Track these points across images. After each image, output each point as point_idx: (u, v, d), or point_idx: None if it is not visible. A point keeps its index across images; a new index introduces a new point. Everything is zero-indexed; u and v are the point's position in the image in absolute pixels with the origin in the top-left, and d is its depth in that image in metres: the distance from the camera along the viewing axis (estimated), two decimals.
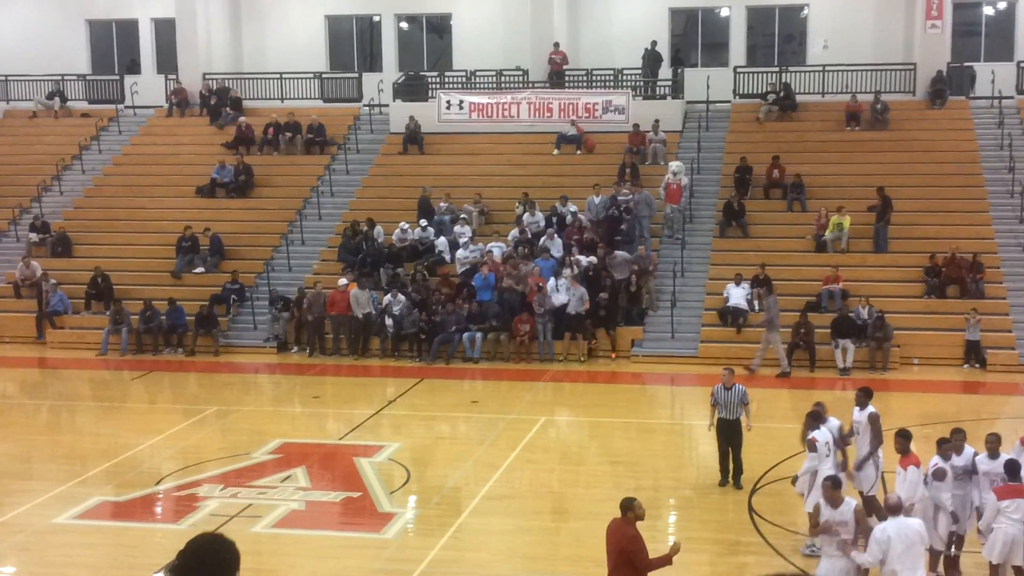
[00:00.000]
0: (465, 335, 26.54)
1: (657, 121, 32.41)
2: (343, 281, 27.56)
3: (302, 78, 37.42)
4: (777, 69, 35.25)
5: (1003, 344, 25.46)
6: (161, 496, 16.89)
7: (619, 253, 27.49)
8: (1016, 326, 25.88)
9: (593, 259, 27.64)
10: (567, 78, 35.36)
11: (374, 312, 27.12)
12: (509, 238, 29.14)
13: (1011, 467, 12.59)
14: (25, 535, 15.22)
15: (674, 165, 29.53)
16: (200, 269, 29.92)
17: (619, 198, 29.13)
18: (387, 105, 35.82)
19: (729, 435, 16.79)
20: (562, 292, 26.54)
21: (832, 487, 11.63)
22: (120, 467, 18.20)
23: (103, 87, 39.43)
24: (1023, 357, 25.13)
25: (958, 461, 13.09)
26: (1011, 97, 33.25)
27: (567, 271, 26.85)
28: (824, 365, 25.13)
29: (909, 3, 34.88)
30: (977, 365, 25.17)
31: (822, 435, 13.92)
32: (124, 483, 17.34)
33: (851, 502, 11.61)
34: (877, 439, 14.33)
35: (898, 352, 25.41)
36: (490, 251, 28.38)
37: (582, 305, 26.33)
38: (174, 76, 38.26)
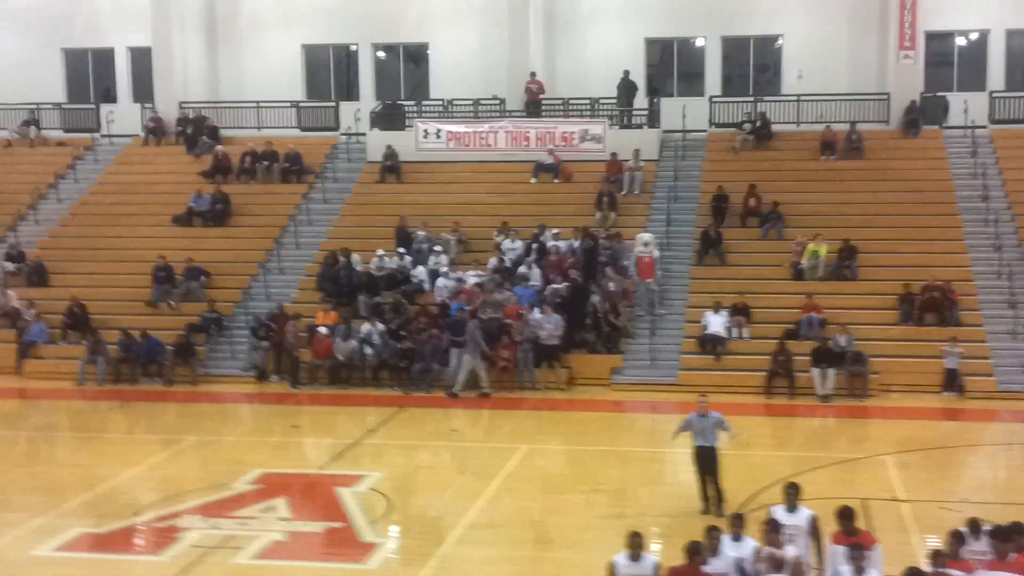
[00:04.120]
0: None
1: (638, 151, 32.54)
2: (323, 330, 27.36)
3: (279, 107, 37.40)
4: (752, 99, 35.52)
5: (980, 371, 25.61)
6: (141, 527, 16.74)
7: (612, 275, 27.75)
8: (993, 353, 26.06)
9: (566, 284, 27.70)
10: (544, 107, 35.52)
11: (356, 354, 27.06)
12: (488, 266, 29.17)
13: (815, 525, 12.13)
14: (4, 568, 15.01)
15: (644, 237, 28.78)
16: (173, 303, 29.76)
17: (599, 237, 29.29)
18: (364, 134, 35.86)
19: (706, 463, 16.77)
20: (546, 323, 26.52)
21: (771, 531, 11.26)
22: (99, 498, 18.05)
23: (79, 116, 39.30)
24: (1001, 384, 25.29)
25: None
26: (984, 127, 33.59)
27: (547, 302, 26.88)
28: (804, 392, 25.20)
29: (882, 33, 35.26)
30: (955, 393, 25.30)
31: None
32: (103, 514, 17.17)
33: (791, 551, 11.23)
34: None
35: (877, 379, 25.52)
36: (463, 280, 28.40)
37: (557, 332, 26.37)
38: (150, 105, 38.21)
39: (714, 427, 16.66)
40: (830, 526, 12.01)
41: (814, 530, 12.16)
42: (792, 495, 12.44)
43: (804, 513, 12.29)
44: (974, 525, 11.73)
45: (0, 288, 30.46)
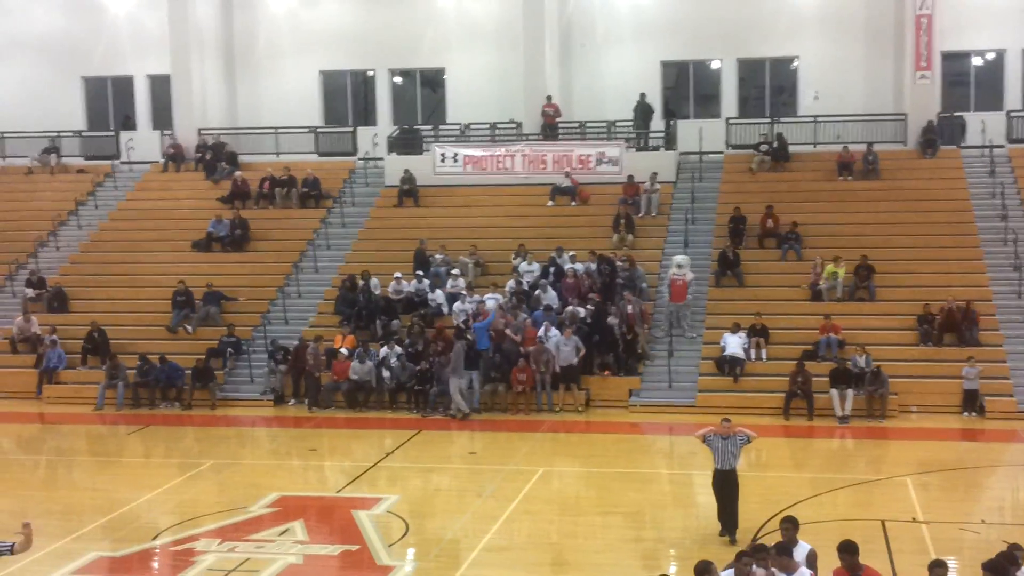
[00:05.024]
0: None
1: (655, 173, 32.59)
2: (344, 351, 27.53)
3: (297, 132, 37.62)
4: (769, 120, 35.52)
5: (1001, 391, 25.44)
6: (158, 551, 16.75)
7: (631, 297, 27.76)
8: (1013, 373, 25.88)
9: (588, 308, 27.72)
10: (560, 130, 35.61)
11: (372, 376, 27.12)
12: (506, 289, 29.20)
13: (812, 559, 11.60)
14: None
15: (679, 259, 28.73)
16: (190, 328, 29.90)
17: (616, 262, 29.28)
18: (382, 159, 36.04)
19: (725, 487, 16.57)
20: (564, 345, 26.50)
21: (777, 553, 11.00)
22: (116, 522, 18.09)
23: (99, 143, 39.56)
24: (1021, 404, 25.12)
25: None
26: (1002, 146, 33.50)
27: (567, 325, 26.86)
28: (823, 414, 25.10)
29: (899, 54, 35.21)
30: (975, 413, 25.13)
31: None
32: (120, 538, 17.22)
33: (805, 572, 11.07)
34: None
35: (896, 400, 25.38)
36: (483, 302, 28.42)
37: (576, 355, 26.36)
38: (170, 132, 38.48)
39: (737, 450, 16.45)
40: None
41: (811, 566, 11.57)
42: (788, 530, 11.90)
43: (803, 548, 11.76)
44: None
45: (21, 314, 30.63)
